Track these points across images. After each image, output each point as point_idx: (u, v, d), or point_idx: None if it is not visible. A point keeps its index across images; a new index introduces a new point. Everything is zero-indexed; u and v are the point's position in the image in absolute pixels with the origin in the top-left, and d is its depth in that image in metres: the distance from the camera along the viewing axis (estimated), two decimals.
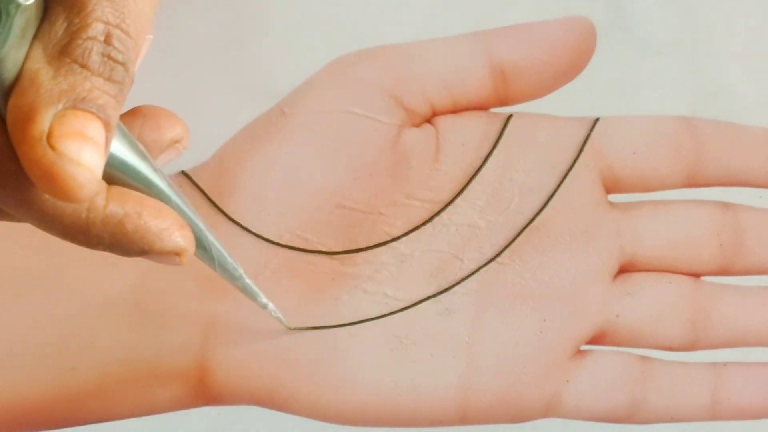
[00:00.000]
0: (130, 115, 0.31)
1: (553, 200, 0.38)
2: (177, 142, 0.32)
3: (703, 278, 0.38)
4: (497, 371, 0.37)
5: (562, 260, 0.38)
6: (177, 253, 0.28)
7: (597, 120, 0.38)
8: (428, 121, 0.38)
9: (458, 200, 0.38)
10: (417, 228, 0.38)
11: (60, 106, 0.23)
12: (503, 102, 0.39)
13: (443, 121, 0.38)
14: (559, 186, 0.38)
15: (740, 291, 0.38)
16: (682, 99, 0.39)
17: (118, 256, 0.37)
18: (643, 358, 0.38)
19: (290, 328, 0.36)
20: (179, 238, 0.27)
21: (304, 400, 0.37)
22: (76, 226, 0.26)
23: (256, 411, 0.37)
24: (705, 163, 0.38)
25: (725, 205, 0.38)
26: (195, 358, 0.37)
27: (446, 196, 0.38)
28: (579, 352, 0.37)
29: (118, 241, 0.26)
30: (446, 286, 0.37)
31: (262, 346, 0.37)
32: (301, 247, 0.37)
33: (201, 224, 0.29)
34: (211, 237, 0.30)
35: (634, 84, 0.39)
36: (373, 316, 0.37)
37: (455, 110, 0.39)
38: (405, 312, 0.37)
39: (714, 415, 0.37)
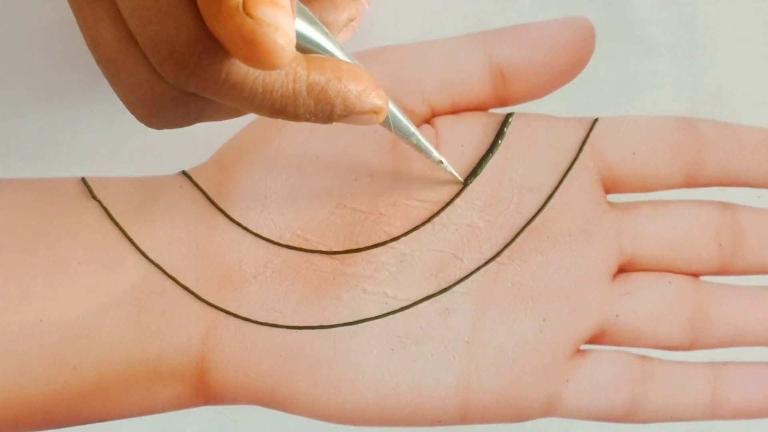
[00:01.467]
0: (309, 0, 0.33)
1: (553, 200, 0.38)
2: (352, 20, 0.34)
3: (702, 278, 0.38)
4: (497, 371, 0.37)
5: (562, 260, 0.38)
6: (375, 112, 0.30)
7: (596, 120, 0.39)
8: (428, 121, 0.39)
9: (458, 200, 0.38)
10: (416, 228, 0.38)
11: None
12: (503, 102, 0.39)
13: (443, 122, 0.38)
14: (558, 186, 0.38)
15: (739, 291, 0.38)
16: (682, 99, 0.39)
17: (118, 256, 0.37)
18: (643, 357, 0.38)
19: (463, 181, 0.38)
20: (376, 98, 0.30)
21: (304, 400, 0.37)
22: (285, 97, 0.28)
23: (256, 411, 0.37)
24: (704, 164, 0.39)
25: (724, 205, 0.38)
26: (195, 358, 0.37)
27: (446, 197, 0.38)
28: (579, 352, 0.38)
29: (323, 107, 0.29)
30: (446, 286, 0.38)
31: (262, 346, 0.37)
32: (302, 247, 0.38)
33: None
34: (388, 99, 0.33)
35: (633, 84, 0.39)
36: (373, 316, 0.37)
37: (455, 111, 0.39)
38: (405, 312, 0.37)
39: (713, 414, 0.38)
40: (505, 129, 0.38)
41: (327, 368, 0.37)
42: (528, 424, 0.37)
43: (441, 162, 0.37)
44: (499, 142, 0.38)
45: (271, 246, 0.37)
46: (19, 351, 0.36)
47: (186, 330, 0.37)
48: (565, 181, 0.38)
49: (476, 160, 0.38)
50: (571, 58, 0.39)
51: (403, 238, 0.38)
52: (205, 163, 0.38)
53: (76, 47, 0.38)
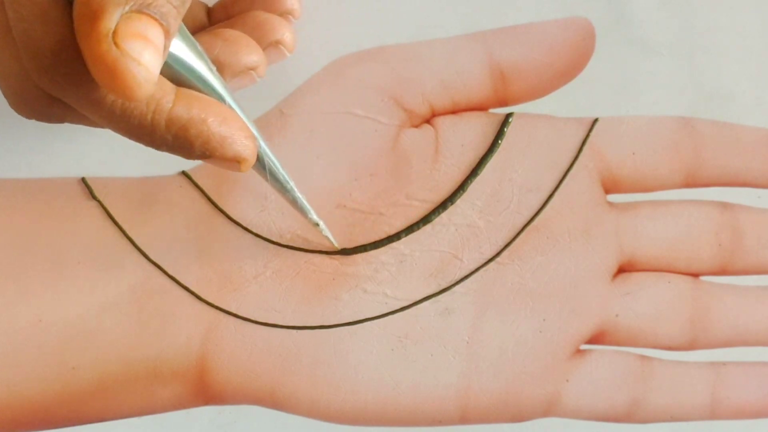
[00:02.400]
0: (211, 36, 0.33)
1: (553, 200, 0.38)
2: (252, 69, 0.33)
3: (702, 278, 0.38)
4: (497, 371, 0.37)
5: (562, 260, 0.38)
6: (238, 161, 0.29)
7: (596, 120, 0.39)
8: (428, 121, 0.39)
9: (458, 200, 0.38)
10: (413, 226, 0.38)
11: (126, 8, 0.24)
12: (503, 102, 0.39)
13: (443, 122, 0.38)
14: (558, 186, 0.38)
15: (739, 291, 0.38)
16: (682, 99, 0.39)
17: (118, 256, 0.37)
18: (643, 357, 0.38)
19: (340, 250, 0.37)
20: (241, 147, 0.29)
21: (304, 399, 0.37)
22: (142, 126, 0.27)
23: (256, 411, 0.37)
24: (704, 164, 0.39)
25: (724, 205, 0.38)
26: (195, 358, 0.37)
27: (446, 197, 0.38)
28: (578, 352, 0.38)
29: (181, 144, 0.28)
30: (446, 286, 0.38)
31: (262, 346, 0.37)
32: (301, 247, 0.38)
33: (257, 133, 0.31)
34: (264, 145, 0.32)
35: (633, 84, 0.39)
36: (373, 316, 0.37)
37: (455, 111, 0.39)
38: (405, 312, 0.37)
39: (713, 414, 0.38)
40: (505, 129, 0.38)
41: (327, 368, 0.37)
42: (528, 424, 0.37)
43: (317, 225, 0.36)
44: (499, 142, 0.38)
45: (271, 246, 0.37)
46: (19, 351, 0.36)
47: (186, 330, 0.37)
48: (564, 181, 0.38)
49: (476, 160, 0.38)
50: (571, 58, 0.39)
51: (404, 239, 0.38)
52: (205, 164, 0.38)
53: None
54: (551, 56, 0.39)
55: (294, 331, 0.37)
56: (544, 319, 0.37)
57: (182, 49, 0.29)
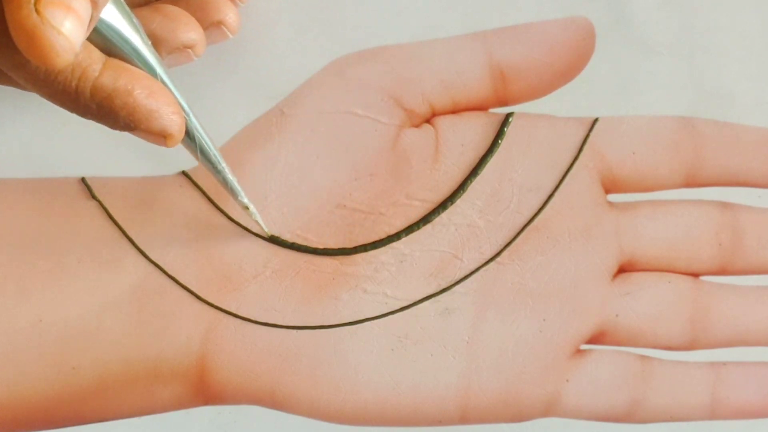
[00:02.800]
0: (151, 10, 0.33)
1: (553, 200, 0.38)
2: (189, 47, 0.33)
3: (702, 278, 0.38)
4: (497, 371, 0.37)
5: (562, 260, 0.38)
6: (163, 136, 0.29)
7: (596, 120, 0.38)
8: (428, 121, 0.38)
9: (458, 200, 0.38)
10: (413, 225, 0.38)
11: None
12: (503, 102, 0.39)
13: (443, 122, 0.38)
14: (558, 186, 0.38)
15: (739, 291, 0.38)
16: (682, 99, 0.39)
17: (118, 256, 0.37)
18: (643, 357, 0.38)
19: (270, 235, 0.37)
20: (168, 121, 0.29)
21: (304, 400, 0.37)
22: (66, 93, 0.27)
23: (256, 411, 0.37)
24: (704, 163, 0.38)
25: (724, 205, 0.38)
26: (195, 358, 0.37)
27: (446, 197, 0.38)
28: (578, 352, 0.38)
29: (106, 113, 0.28)
30: (446, 286, 0.38)
31: (262, 346, 0.37)
32: (301, 247, 0.38)
33: (187, 108, 0.31)
34: (195, 122, 0.32)
35: (633, 84, 0.39)
36: (373, 316, 0.37)
37: (455, 110, 0.39)
38: (405, 312, 0.37)
39: (713, 414, 0.38)
40: (505, 129, 0.38)
41: (327, 368, 0.37)
42: (528, 424, 0.37)
43: (247, 208, 0.36)
44: (499, 141, 0.38)
45: (271, 246, 0.37)
46: (19, 351, 0.36)
47: (186, 330, 0.37)
48: (565, 181, 0.38)
49: (476, 160, 0.38)
50: (571, 58, 0.39)
51: (404, 238, 0.38)
52: None
53: None
54: (551, 56, 0.39)
55: (294, 331, 0.37)
56: (544, 319, 0.37)
57: (117, 19, 0.28)
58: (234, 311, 0.37)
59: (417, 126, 0.38)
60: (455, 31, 0.39)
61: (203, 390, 0.37)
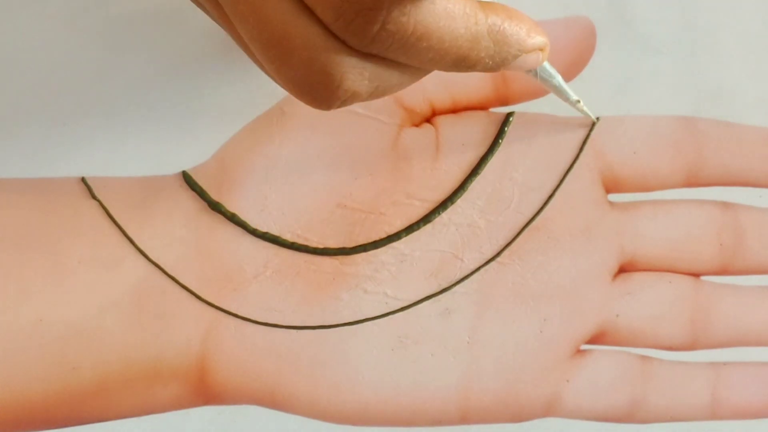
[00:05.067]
0: None
1: (553, 200, 0.38)
2: None
3: (703, 278, 0.38)
4: (497, 371, 0.37)
5: (562, 260, 0.38)
6: (541, 49, 0.31)
7: (597, 120, 0.38)
8: (428, 120, 0.38)
9: (458, 200, 0.38)
10: (413, 225, 0.38)
11: None
12: (503, 102, 0.38)
13: (443, 121, 0.38)
14: (559, 185, 0.38)
15: (740, 291, 0.38)
16: (683, 99, 0.39)
17: (118, 256, 0.37)
18: (643, 357, 0.38)
19: (596, 119, 0.38)
20: (540, 34, 0.31)
21: (304, 399, 0.37)
22: (468, 42, 0.28)
23: (256, 411, 0.37)
24: (705, 163, 0.38)
25: (725, 205, 0.38)
26: (195, 358, 0.37)
27: (446, 196, 0.38)
28: (579, 352, 0.38)
29: (501, 48, 0.29)
30: (446, 286, 0.38)
31: (263, 346, 0.37)
32: (302, 247, 0.38)
33: None
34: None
35: (634, 83, 0.39)
36: (373, 316, 0.37)
37: (455, 110, 0.39)
38: (405, 312, 0.37)
39: (714, 414, 0.38)
40: (506, 128, 0.38)
41: (327, 368, 0.37)
42: (528, 424, 0.37)
43: (578, 102, 0.37)
44: (500, 141, 0.38)
45: (271, 246, 0.37)
46: (19, 351, 0.36)
47: (186, 330, 0.37)
48: (565, 181, 0.38)
49: (477, 160, 0.38)
50: (572, 57, 0.39)
51: (404, 238, 0.38)
52: (205, 163, 0.38)
53: (75, 46, 0.38)
54: (552, 55, 0.39)
55: (294, 331, 0.37)
56: (544, 319, 0.37)
57: None
58: (234, 311, 0.37)
59: (417, 125, 0.38)
60: None
61: (203, 390, 0.37)
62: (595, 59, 0.39)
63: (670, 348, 0.38)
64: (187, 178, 0.38)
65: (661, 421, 0.37)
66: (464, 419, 0.37)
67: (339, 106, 0.28)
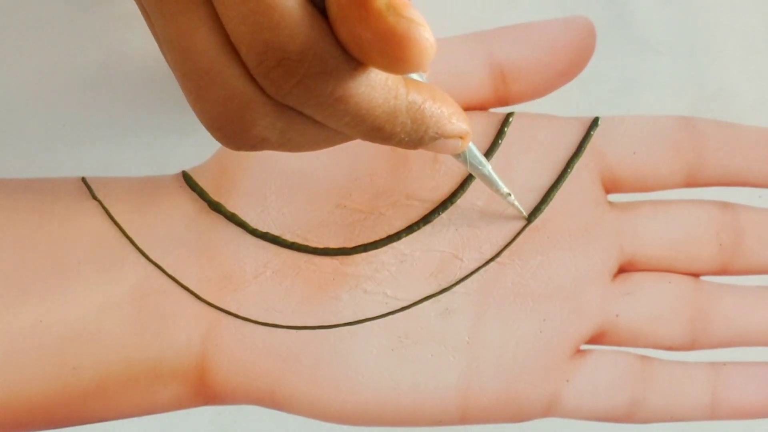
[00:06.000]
0: None
1: (553, 200, 0.38)
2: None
3: (702, 278, 0.38)
4: (497, 371, 0.37)
5: (562, 260, 0.38)
6: (461, 137, 0.30)
7: (597, 120, 0.38)
8: None
9: (458, 200, 0.38)
10: (413, 225, 0.38)
11: None
12: (503, 102, 0.39)
13: None
14: (558, 186, 0.38)
15: (740, 291, 0.38)
16: (682, 99, 0.39)
17: (118, 256, 0.37)
18: (643, 357, 0.38)
19: (527, 217, 0.38)
20: (463, 122, 0.30)
21: (305, 400, 0.37)
22: (385, 115, 0.27)
23: (256, 411, 0.37)
24: (705, 163, 0.38)
25: (725, 205, 0.38)
26: (195, 358, 0.37)
27: (446, 196, 0.38)
28: (579, 352, 0.38)
29: (418, 127, 0.28)
30: (446, 286, 0.38)
31: (262, 346, 0.37)
32: (302, 247, 0.38)
33: None
34: None
35: (634, 83, 0.39)
36: (373, 316, 0.37)
37: None
38: (405, 312, 0.37)
39: (714, 414, 0.38)
40: (506, 129, 0.38)
41: (327, 368, 0.37)
42: (528, 424, 0.37)
43: (509, 195, 0.36)
44: (500, 141, 0.38)
45: (271, 246, 0.37)
46: (19, 351, 0.36)
47: (186, 330, 0.37)
48: (565, 181, 0.38)
49: None
50: (572, 57, 0.39)
51: (404, 238, 0.38)
52: (205, 163, 0.38)
53: (76, 46, 0.38)
54: (552, 56, 0.39)
55: (294, 331, 0.37)
56: (544, 319, 0.37)
57: None
58: (234, 311, 0.37)
59: None
60: (455, 31, 0.39)
61: (203, 390, 0.37)
62: (595, 59, 0.39)
63: (669, 348, 0.38)
64: (187, 179, 0.38)
65: (661, 421, 0.37)
66: (464, 419, 0.37)
67: (248, 150, 0.28)
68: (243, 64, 0.26)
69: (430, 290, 0.38)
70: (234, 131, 0.27)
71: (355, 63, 0.25)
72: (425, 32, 0.24)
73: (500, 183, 0.36)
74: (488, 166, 0.35)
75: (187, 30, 0.26)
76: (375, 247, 0.38)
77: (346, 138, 0.29)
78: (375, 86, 0.26)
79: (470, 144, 0.34)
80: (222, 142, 0.28)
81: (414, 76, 0.30)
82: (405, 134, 0.28)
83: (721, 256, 0.38)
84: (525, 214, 0.38)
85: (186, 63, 0.26)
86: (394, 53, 0.24)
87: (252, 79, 0.26)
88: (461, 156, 0.34)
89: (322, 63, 0.25)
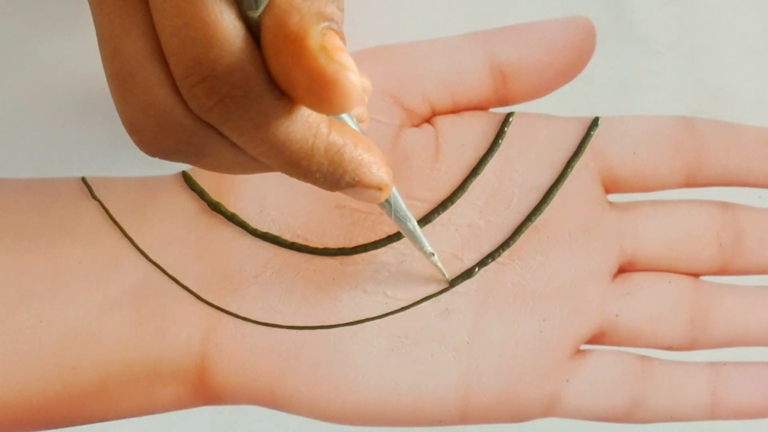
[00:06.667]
0: None
1: (553, 200, 0.38)
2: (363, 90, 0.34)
3: (702, 278, 0.38)
4: (497, 371, 0.37)
5: (562, 260, 0.38)
6: (380, 188, 0.29)
7: (597, 120, 0.38)
8: (428, 121, 0.39)
9: (458, 200, 0.38)
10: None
11: (321, 26, 0.25)
12: (503, 102, 0.39)
13: (443, 122, 0.38)
14: (558, 185, 0.38)
15: (740, 291, 0.38)
16: (682, 99, 0.39)
17: (118, 256, 0.37)
18: (643, 357, 0.38)
19: (450, 281, 0.37)
20: (384, 173, 0.29)
21: (305, 400, 0.37)
22: (302, 151, 0.27)
23: (256, 411, 0.37)
24: (705, 163, 0.38)
25: (725, 205, 0.38)
26: (195, 358, 0.37)
27: (446, 196, 0.38)
28: (579, 352, 0.38)
29: (335, 169, 0.28)
30: (446, 286, 0.38)
31: (262, 346, 0.37)
32: (302, 247, 0.38)
33: None
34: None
35: (634, 83, 0.39)
36: (374, 316, 0.37)
37: (455, 110, 0.39)
38: (405, 312, 0.37)
39: (713, 414, 0.38)
40: (506, 128, 0.38)
41: (327, 368, 0.37)
42: (528, 424, 0.37)
43: (432, 255, 0.36)
44: (500, 141, 0.38)
45: (271, 246, 0.37)
46: (20, 351, 0.36)
47: (186, 330, 0.37)
48: (565, 181, 0.38)
49: (476, 160, 0.38)
50: (572, 57, 0.39)
51: (404, 238, 0.38)
52: None
53: (76, 47, 0.38)
54: (552, 56, 0.39)
55: (294, 331, 0.37)
56: (544, 320, 0.37)
57: None
58: (234, 311, 0.37)
59: (417, 126, 0.38)
60: (456, 31, 0.39)
61: (203, 390, 0.37)
62: (595, 59, 0.39)
63: (669, 348, 0.38)
64: (187, 179, 0.38)
65: (661, 421, 0.37)
66: (464, 419, 0.37)
67: (162, 158, 0.28)
68: (170, 74, 0.26)
69: (430, 290, 0.38)
70: (150, 138, 0.27)
71: (279, 94, 0.26)
72: (353, 78, 0.24)
73: (424, 241, 0.35)
74: (413, 221, 0.34)
75: (119, 31, 0.26)
76: (375, 247, 0.38)
77: (265, 168, 0.29)
78: (295, 120, 0.26)
79: (397, 198, 0.33)
80: (138, 146, 0.28)
81: (351, 123, 0.30)
82: (321, 174, 0.28)
83: (721, 256, 0.38)
84: (448, 277, 0.37)
85: (113, 63, 0.27)
86: (320, 94, 0.24)
87: (176, 90, 0.26)
88: (385, 207, 0.33)
89: (245, 88, 0.25)
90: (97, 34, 0.27)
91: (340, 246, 0.38)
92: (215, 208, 0.37)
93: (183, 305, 0.37)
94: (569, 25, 0.39)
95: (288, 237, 0.38)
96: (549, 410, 0.37)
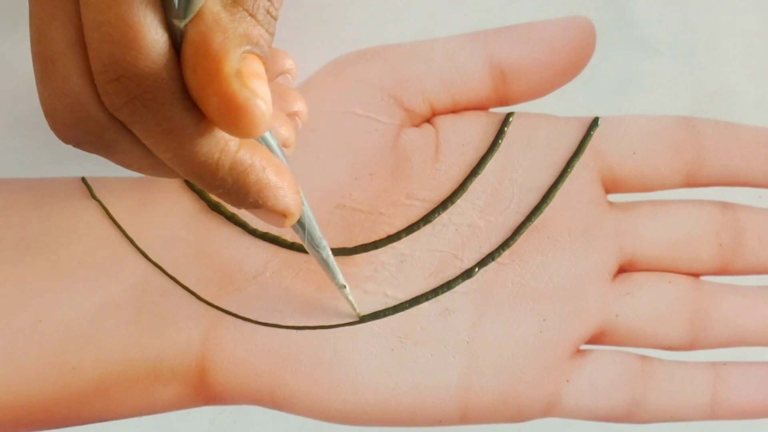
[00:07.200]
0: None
1: (553, 200, 0.38)
2: (296, 115, 0.35)
3: (702, 278, 0.38)
4: (497, 371, 0.37)
5: (562, 260, 0.38)
6: (284, 214, 0.29)
7: (597, 120, 0.38)
8: (428, 121, 0.39)
9: (458, 200, 0.38)
10: (413, 225, 0.38)
11: (243, 49, 0.25)
12: (503, 102, 0.39)
13: (443, 121, 0.38)
14: (558, 185, 0.38)
15: (740, 291, 0.38)
16: (682, 99, 0.39)
17: (118, 256, 0.37)
18: (643, 357, 0.38)
19: (360, 315, 0.37)
20: (291, 200, 0.29)
21: (305, 399, 0.37)
22: (207, 164, 0.27)
23: (256, 411, 0.37)
24: (705, 163, 0.38)
25: (725, 205, 0.38)
26: (195, 358, 0.37)
27: (446, 196, 0.38)
28: (579, 352, 0.38)
29: (239, 188, 0.28)
30: (446, 286, 0.38)
31: (263, 347, 0.37)
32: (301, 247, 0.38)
33: (301, 192, 0.31)
34: (306, 206, 0.32)
35: (634, 83, 0.39)
36: (372, 314, 0.37)
37: (455, 110, 0.39)
38: (405, 312, 0.37)
39: (713, 414, 0.38)
40: (506, 128, 0.38)
41: (327, 368, 0.37)
42: (528, 424, 0.37)
43: (344, 287, 0.36)
44: (500, 141, 0.38)
45: (271, 246, 0.37)
46: (19, 351, 0.36)
47: (186, 330, 0.37)
48: (565, 181, 0.38)
49: (476, 160, 0.38)
50: (572, 57, 0.39)
51: (404, 238, 0.38)
52: None
53: None
54: (552, 55, 0.39)
55: (294, 331, 0.37)
56: (544, 320, 0.37)
57: None
58: (234, 311, 0.37)
59: (417, 125, 0.38)
60: (455, 30, 0.39)
61: (203, 390, 0.37)
62: (594, 59, 0.39)
63: (669, 348, 0.38)
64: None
65: (661, 421, 0.37)
66: (464, 419, 0.37)
67: (75, 146, 0.28)
68: (89, 67, 0.26)
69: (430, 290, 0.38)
70: (62, 125, 0.28)
71: (191, 105, 0.26)
72: (262, 106, 0.25)
73: (338, 272, 0.35)
74: (327, 250, 0.34)
75: (47, 16, 0.27)
76: (375, 247, 0.38)
77: (174, 173, 0.29)
78: (203, 133, 0.26)
79: (312, 224, 0.33)
80: (53, 131, 0.28)
81: (272, 144, 0.30)
82: (224, 190, 0.28)
83: (721, 256, 0.38)
84: (358, 311, 0.37)
85: (37, 46, 0.27)
86: (229, 117, 0.25)
87: (93, 83, 0.26)
88: (299, 232, 0.33)
89: (157, 93, 0.25)
90: (29, 15, 0.27)
91: (340, 246, 0.38)
92: (215, 208, 0.37)
93: (183, 305, 0.37)
94: (569, 25, 0.39)
95: (288, 237, 0.38)
96: (549, 410, 0.37)
